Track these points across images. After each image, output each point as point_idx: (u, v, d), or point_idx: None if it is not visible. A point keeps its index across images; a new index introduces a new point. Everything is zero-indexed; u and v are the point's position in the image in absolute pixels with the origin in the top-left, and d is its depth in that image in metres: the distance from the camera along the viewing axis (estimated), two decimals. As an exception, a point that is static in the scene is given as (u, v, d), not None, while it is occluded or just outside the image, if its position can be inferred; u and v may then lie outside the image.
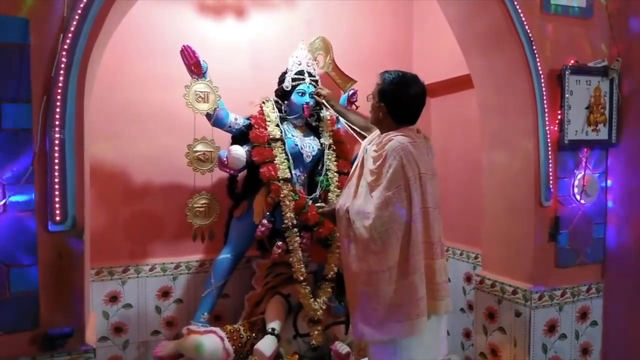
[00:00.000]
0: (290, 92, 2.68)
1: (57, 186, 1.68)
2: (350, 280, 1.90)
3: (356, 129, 2.55)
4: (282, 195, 2.50)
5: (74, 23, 1.69)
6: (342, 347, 2.48)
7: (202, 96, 2.43)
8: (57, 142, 1.67)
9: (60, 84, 1.68)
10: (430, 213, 1.84)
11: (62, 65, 1.68)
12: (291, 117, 2.71)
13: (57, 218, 1.69)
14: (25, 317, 1.68)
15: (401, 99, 1.92)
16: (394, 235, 1.76)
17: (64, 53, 1.68)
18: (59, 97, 1.67)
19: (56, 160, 1.68)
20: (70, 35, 1.69)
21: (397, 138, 1.84)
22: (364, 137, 2.32)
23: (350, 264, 1.85)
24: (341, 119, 2.70)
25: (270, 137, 2.58)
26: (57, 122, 1.67)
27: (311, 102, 2.69)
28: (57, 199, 1.68)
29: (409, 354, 1.81)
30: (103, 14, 1.76)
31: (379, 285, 1.76)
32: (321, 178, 2.70)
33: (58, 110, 1.67)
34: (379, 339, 1.82)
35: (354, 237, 1.84)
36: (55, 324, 1.71)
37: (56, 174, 1.68)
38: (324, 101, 2.68)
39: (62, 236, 1.71)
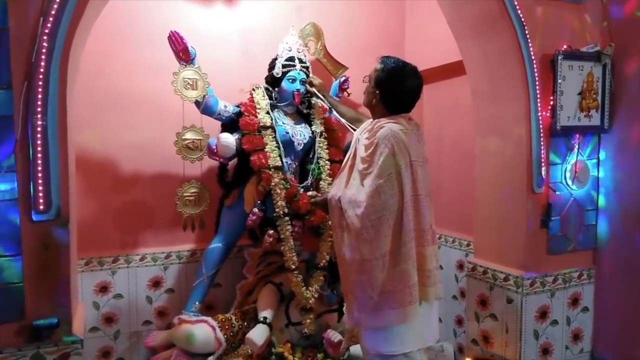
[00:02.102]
0: (280, 79, 2.65)
1: (40, 174, 1.64)
2: (344, 269, 1.89)
3: (347, 120, 2.53)
4: (273, 184, 2.48)
5: (55, 6, 1.64)
6: (334, 335, 2.48)
7: (191, 83, 2.39)
8: (39, 129, 1.63)
9: (41, 70, 1.63)
10: (421, 200, 1.83)
11: (43, 50, 1.63)
12: (282, 104, 2.67)
13: (41, 207, 1.65)
14: (10, 309, 1.65)
15: (397, 90, 1.90)
16: (385, 223, 1.75)
17: (44, 37, 1.63)
18: (40, 82, 1.63)
19: (39, 148, 1.63)
20: (51, 18, 1.64)
21: (388, 125, 1.83)
22: (355, 129, 2.29)
23: (343, 253, 1.85)
24: (333, 110, 2.68)
25: (261, 124, 2.54)
26: (38, 109, 1.63)
27: (302, 89, 2.65)
28: (40, 188, 1.64)
29: (401, 339, 1.81)
30: (85, -3, 1.71)
31: (372, 273, 1.76)
32: (312, 166, 2.67)
33: (40, 96, 1.63)
34: (374, 325, 1.82)
35: (347, 226, 1.83)
36: (41, 315, 1.68)
37: (39, 161, 1.64)
38: (315, 90, 2.64)
39: (46, 226, 1.68)
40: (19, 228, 1.65)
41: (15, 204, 1.64)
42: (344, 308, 2.41)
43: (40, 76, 1.63)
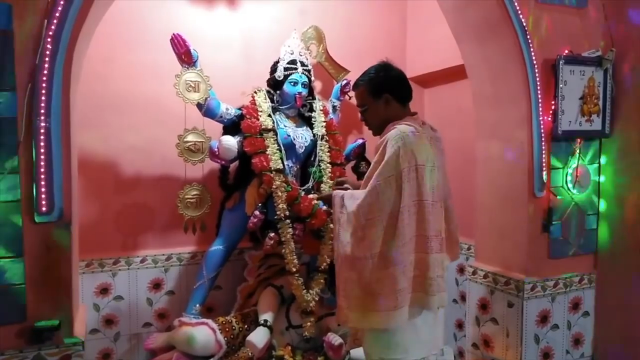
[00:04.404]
0: (282, 82, 2.65)
1: (43, 176, 1.64)
2: (338, 264, 1.87)
3: None
4: (274, 187, 2.48)
5: (59, 9, 1.65)
6: (334, 339, 2.48)
7: (193, 85, 2.40)
8: (42, 130, 1.63)
9: (45, 72, 1.63)
10: (426, 206, 1.78)
11: (47, 52, 1.63)
12: (283, 107, 2.68)
13: (44, 209, 1.65)
14: (11, 310, 1.65)
15: (394, 80, 1.91)
16: (379, 224, 1.72)
17: (48, 40, 1.64)
18: (44, 84, 1.63)
19: (42, 150, 1.64)
20: (55, 21, 1.64)
21: (399, 127, 1.80)
22: None
23: (338, 248, 1.83)
24: None
25: (262, 127, 2.55)
26: (42, 111, 1.63)
27: (304, 92, 2.66)
28: (43, 189, 1.64)
29: (405, 346, 1.78)
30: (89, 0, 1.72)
31: (362, 271, 1.73)
32: (314, 169, 2.68)
33: (43, 98, 1.63)
34: (360, 326, 1.81)
35: (343, 222, 1.82)
36: (42, 317, 1.68)
37: (42, 163, 1.64)
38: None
39: (48, 227, 1.68)
40: (21, 230, 1.65)
41: (18, 205, 1.64)
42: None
43: (44, 78, 1.63)
